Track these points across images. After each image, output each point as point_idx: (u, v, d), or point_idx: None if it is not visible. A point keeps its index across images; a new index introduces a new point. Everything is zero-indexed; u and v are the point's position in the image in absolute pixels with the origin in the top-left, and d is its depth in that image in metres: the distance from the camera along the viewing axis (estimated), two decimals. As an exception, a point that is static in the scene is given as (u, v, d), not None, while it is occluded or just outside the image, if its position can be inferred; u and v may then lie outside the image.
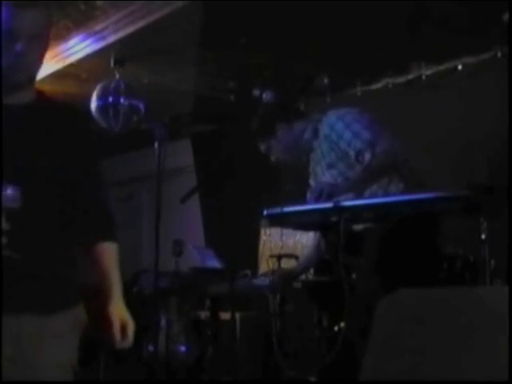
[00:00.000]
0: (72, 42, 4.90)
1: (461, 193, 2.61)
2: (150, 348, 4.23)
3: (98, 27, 4.66)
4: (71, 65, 5.12)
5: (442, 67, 4.92)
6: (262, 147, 3.47)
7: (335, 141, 3.23)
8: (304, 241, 4.62)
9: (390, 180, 3.13)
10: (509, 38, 3.98)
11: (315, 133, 3.36)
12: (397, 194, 3.00)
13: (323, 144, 3.31)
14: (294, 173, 3.95)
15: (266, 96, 3.43)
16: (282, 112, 3.46)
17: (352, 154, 3.16)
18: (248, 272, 4.20)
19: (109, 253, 2.04)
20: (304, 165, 3.49)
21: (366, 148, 3.11)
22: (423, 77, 5.02)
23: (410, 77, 5.10)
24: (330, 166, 3.28)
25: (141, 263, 7.49)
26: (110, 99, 5.03)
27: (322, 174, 3.35)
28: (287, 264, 3.89)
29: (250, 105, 3.97)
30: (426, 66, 5.00)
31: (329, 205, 2.81)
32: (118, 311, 1.99)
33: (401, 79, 5.16)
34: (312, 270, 3.96)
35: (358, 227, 3.08)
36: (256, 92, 3.52)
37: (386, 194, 3.07)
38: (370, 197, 3.06)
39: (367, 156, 3.09)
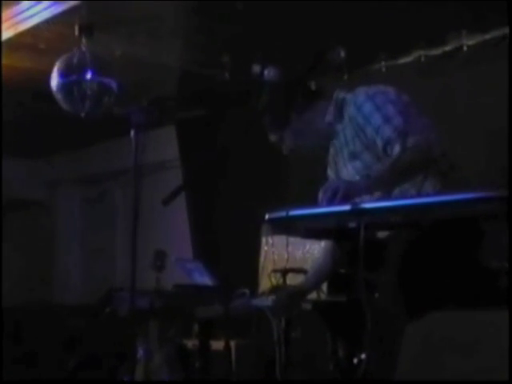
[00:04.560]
0: (26, 3, 4.89)
1: (508, 193, 2.62)
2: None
3: (60, -15, 4.67)
4: (26, 32, 5.13)
5: (487, 36, 4.94)
6: (273, 138, 3.46)
7: (361, 125, 3.20)
8: (315, 252, 4.66)
9: (426, 177, 3.12)
10: (509, 36, 4.01)
11: (339, 114, 3.34)
12: (429, 195, 3.01)
13: (347, 128, 3.29)
14: (303, 168, 3.97)
15: (269, 73, 3.44)
16: (295, 90, 3.44)
17: (380, 143, 3.16)
18: (246, 290, 4.24)
19: None
20: (325, 150, 3.47)
21: (396, 137, 3.08)
22: (464, 48, 5.05)
23: (448, 48, 5.13)
24: (354, 156, 3.26)
25: (115, 279, 7.56)
26: (75, 76, 5.06)
27: (343, 166, 3.34)
28: (294, 280, 3.93)
29: (248, 84, 3.99)
30: (467, 35, 5.03)
31: (346, 207, 2.83)
32: None
33: (436, 51, 5.19)
34: (325, 288, 4.00)
35: (381, 235, 3.10)
36: (256, 68, 3.52)
37: (420, 194, 3.07)
38: (397, 198, 3.07)
39: (397, 148, 3.08)
